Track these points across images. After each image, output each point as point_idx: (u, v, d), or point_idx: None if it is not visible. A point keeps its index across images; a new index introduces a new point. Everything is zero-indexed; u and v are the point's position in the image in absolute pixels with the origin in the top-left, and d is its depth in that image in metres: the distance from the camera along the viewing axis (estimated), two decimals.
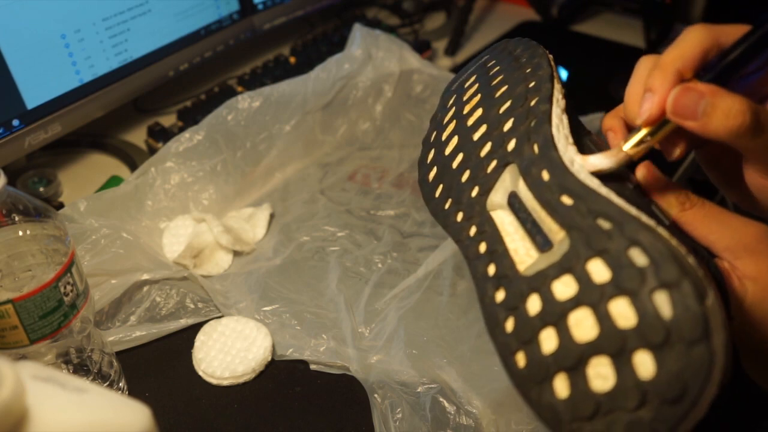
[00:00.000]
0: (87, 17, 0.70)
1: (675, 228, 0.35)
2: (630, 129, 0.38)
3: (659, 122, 0.34)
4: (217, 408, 0.53)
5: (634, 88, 0.37)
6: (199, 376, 0.55)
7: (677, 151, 0.36)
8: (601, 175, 0.35)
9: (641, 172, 0.36)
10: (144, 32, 0.75)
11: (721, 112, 0.31)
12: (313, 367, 0.56)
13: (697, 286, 0.28)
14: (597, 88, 0.88)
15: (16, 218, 0.44)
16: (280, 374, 0.56)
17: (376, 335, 0.57)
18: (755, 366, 0.36)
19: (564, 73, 0.92)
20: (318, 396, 0.54)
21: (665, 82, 0.33)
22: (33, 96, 0.67)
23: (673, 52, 0.34)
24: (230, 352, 0.55)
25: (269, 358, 0.56)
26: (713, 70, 0.33)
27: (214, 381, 0.55)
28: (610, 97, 0.86)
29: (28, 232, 0.45)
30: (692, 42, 0.34)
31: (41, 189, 0.72)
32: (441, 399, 0.52)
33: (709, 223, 0.35)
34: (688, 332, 0.27)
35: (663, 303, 0.28)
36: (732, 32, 0.34)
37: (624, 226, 0.30)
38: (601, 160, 0.34)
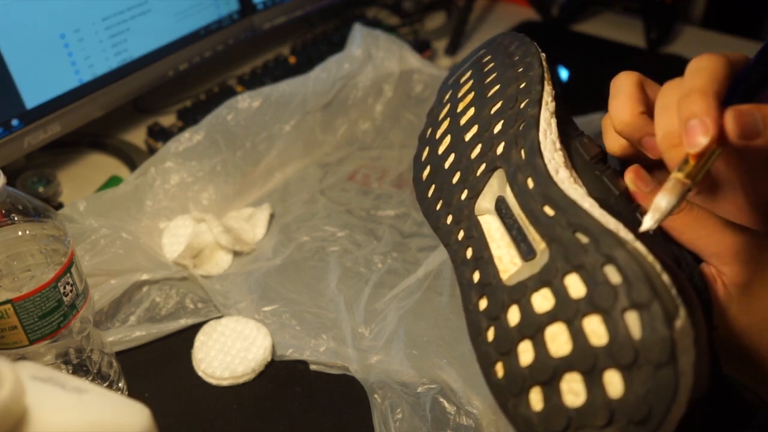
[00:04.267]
0: (86, 17, 0.70)
1: (659, 235, 0.35)
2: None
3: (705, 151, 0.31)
4: (216, 408, 0.53)
5: (629, 102, 0.35)
6: (199, 377, 0.55)
7: (708, 183, 0.34)
8: (591, 178, 0.35)
9: (629, 176, 0.36)
10: (144, 32, 0.75)
11: None
12: (313, 367, 0.56)
13: (667, 308, 0.27)
14: (597, 88, 0.88)
15: (16, 218, 0.44)
16: (280, 374, 0.55)
17: (376, 335, 0.57)
18: (739, 372, 0.36)
19: (564, 73, 0.92)
20: (318, 396, 0.54)
21: (712, 106, 0.31)
22: (32, 96, 0.67)
23: (702, 77, 0.32)
24: (230, 352, 0.55)
25: (269, 359, 0.56)
26: (739, 90, 0.32)
27: (213, 381, 0.54)
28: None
29: (28, 232, 0.45)
30: (717, 69, 0.32)
31: (41, 189, 0.72)
32: (441, 399, 0.52)
33: (697, 229, 0.34)
34: (655, 355, 0.27)
35: (633, 323, 0.28)
36: (739, 58, 0.34)
37: (600, 241, 0.30)
38: (665, 199, 0.31)
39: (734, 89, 0.32)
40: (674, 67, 0.36)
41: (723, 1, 1.10)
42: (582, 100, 0.83)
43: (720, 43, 1.00)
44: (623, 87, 0.36)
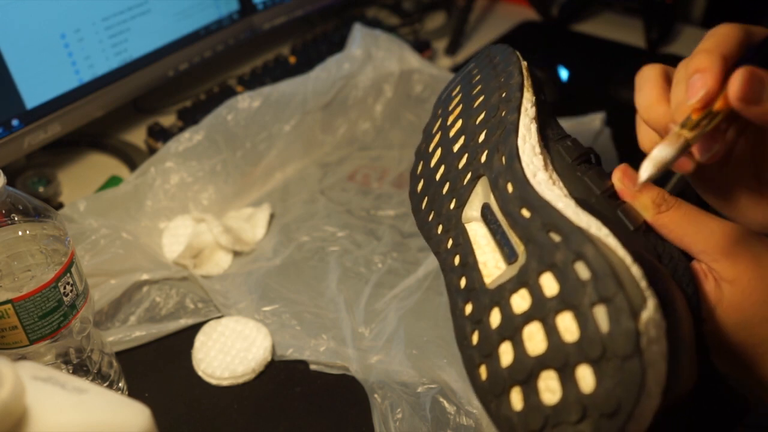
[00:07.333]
0: (87, 17, 0.70)
1: (642, 232, 0.35)
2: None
3: (708, 109, 0.32)
4: (216, 408, 0.53)
5: (655, 90, 0.35)
6: (199, 377, 0.55)
7: (716, 147, 0.34)
8: (572, 179, 0.36)
9: (617, 174, 0.36)
10: (144, 32, 0.75)
11: None
12: (313, 367, 0.56)
13: (632, 300, 0.28)
14: (597, 88, 0.88)
15: (16, 218, 0.44)
16: (280, 374, 0.56)
17: (376, 335, 0.57)
18: (732, 369, 0.36)
19: (564, 73, 0.92)
20: (318, 396, 0.54)
21: (715, 63, 0.32)
22: (32, 96, 0.67)
23: (712, 40, 0.33)
24: (230, 352, 0.55)
25: (269, 359, 0.56)
26: (754, 57, 0.32)
27: (213, 381, 0.55)
28: (611, 97, 0.85)
29: (28, 232, 0.45)
30: (727, 34, 0.33)
31: (41, 189, 0.72)
32: (441, 399, 0.52)
33: (685, 226, 0.34)
34: (620, 347, 0.27)
35: (601, 317, 0.28)
36: (760, 31, 0.34)
37: (570, 238, 0.30)
38: (662, 151, 0.32)
39: (750, 54, 0.32)
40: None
41: (723, 1, 1.10)
42: (582, 100, 0.84)
43: None
44: (648, 78, 0.36)
